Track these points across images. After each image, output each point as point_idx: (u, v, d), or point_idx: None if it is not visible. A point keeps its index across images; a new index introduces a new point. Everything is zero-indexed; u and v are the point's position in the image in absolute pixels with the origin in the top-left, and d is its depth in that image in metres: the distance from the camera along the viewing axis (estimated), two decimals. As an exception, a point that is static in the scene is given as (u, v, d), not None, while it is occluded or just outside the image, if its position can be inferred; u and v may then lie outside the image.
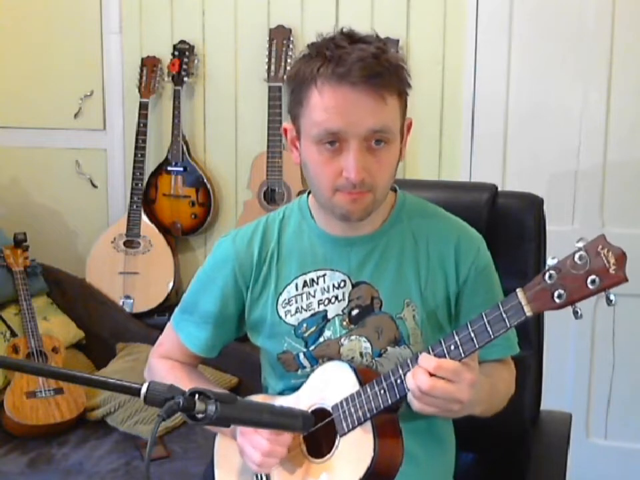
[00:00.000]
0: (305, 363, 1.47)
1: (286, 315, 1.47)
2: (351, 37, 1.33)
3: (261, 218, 1.55)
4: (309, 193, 1.53)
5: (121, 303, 3.10)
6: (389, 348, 1.44)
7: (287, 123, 1.44)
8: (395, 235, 1.46)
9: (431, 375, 1.22)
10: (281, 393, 1.53)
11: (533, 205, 1.76)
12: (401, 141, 1.40)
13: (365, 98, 1.29)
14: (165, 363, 1.59)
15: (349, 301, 1.45)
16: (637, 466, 2.84)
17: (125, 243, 3.13)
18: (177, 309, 1.60)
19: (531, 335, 1.73)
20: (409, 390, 1.26)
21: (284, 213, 1.53)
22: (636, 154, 2.73)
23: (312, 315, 1.47)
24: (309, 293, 1.47)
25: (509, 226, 1.74)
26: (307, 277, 1.47)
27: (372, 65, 1.29)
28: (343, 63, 1.28)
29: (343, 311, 1.46)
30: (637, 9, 2.66)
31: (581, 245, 1.11)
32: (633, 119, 2.72)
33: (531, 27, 2.76)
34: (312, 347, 1.46)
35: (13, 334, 2.78)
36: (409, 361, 1.30)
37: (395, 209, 1.48)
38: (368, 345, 1.45)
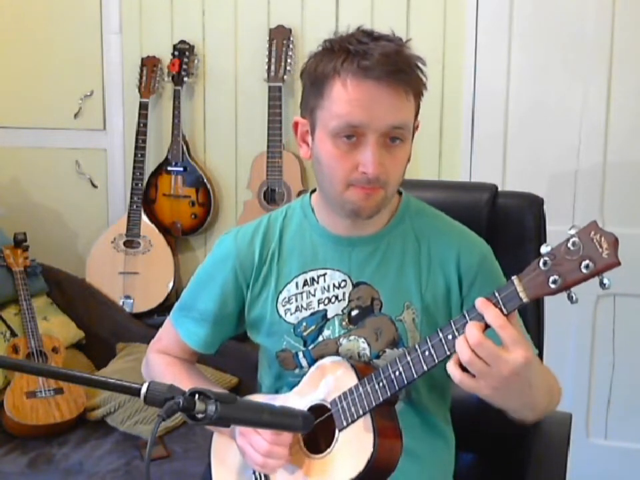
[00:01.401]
0: (304, 362, 1.47)
1: (285, 314, 1.47)
2: (371, 34, 1.34)
3: (263, 216, 1.55)
4: (311, 192, 1.53)
5: (121, 303, 3.10)
6: (387, 350, 1.44)
7: (298, 117, 1.43)
8: (398, 237, 1.46)
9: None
10: (277, 392, 1.53)
11: (532, 205, 1.76)
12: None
13: (388, 93, 1.30)
14: (163, 359, 1.59)
15: (349, 301, 1.45)
16: (637, 466, 2.84)
17: (125, 243, 3.13)
18: (176, 305, 1.60)
19: (530, 334, 1.73)
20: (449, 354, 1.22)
21: (286, 212, 1.53)
22: (636, 154, 2.73)
23: (312, 314, 1.47)
24: (309, 292, 1.47)
25: (508, 226, 1.74)
26: (308, 276, 1.47)
27: (396, 61, 1.30)
28: (369, 57, 1.29)
29: (342, 310, 1.46)
30: (637, 9, 2.66)
31: (573, 231, 1.13)
32: (633, 118, 2.72)
33: (531, 27, 2.76)
34: (311, 346, 1.46)
35: (13, 334, 2.79)
36: (406, 353, 1.30)
37: (398, 210, 1.48)
38: (366, 345, 1.45)
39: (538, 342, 1.77)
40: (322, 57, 1.35)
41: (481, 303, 1.19)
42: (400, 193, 1.51)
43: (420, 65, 1.34)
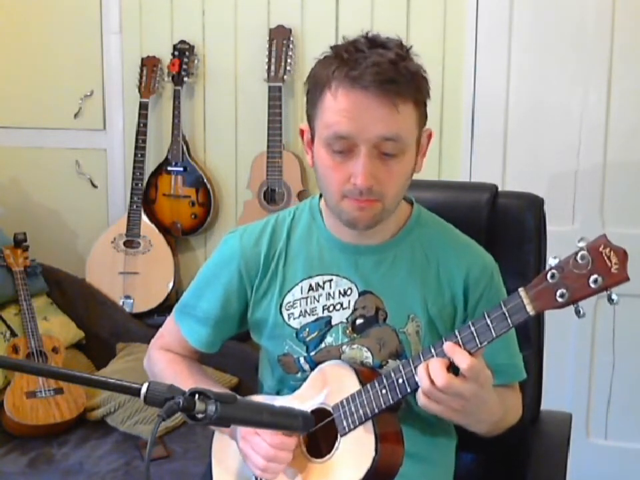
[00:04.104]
0: (305, 367, 1.47)
1: (289, 318, 1.47)
2: (373, 42, 1.31)
3: (270, 217, 1.53)
4: (320, 195, 1.52)
5: (121, 303, 3.10)
6: (389, 360, 1.44)
7: (304, 125, 1.42)
8: (406, 249, 1.45)
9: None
10: (278, 393, 1.53)
11: (533, 205, 1.76)
12: (417, 151, 1.38)
13: (377, 104, 1.27)
14: (164, 355, 1.59)
15: (354, 310, 1.44)
16: (637, 466, 2.84)
17: (125, 243, 3.13)
18: (179, 302, 1.59)
19: (531, 334, 1.73)
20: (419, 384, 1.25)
21: (294, 214, 1.52)
22: (636, 154, 2.73)
23: (315, 320, 1.46)
24: (314, 297, 1.46)
25: (509, 226, 1.74)
26: (313, 281, 1.46)
27: (387, 70, 1.27)
28: (357, 67, 1.27)
29: (347, 319, 1.45)
30: (637, 9, 2.66)
31: (582, 244, 1.11)
32: (633, 119, 2.71)
33: (531, 26, 2.76)
34: (313, 352, 1.46)
35: (13, 334, 2.78)
36: (410, 360, 1.30)
37: (409, 222, 1.47)
38: (369, 355, 1.44)
39: (538, 342, 1.77)
40: (319, 65, 1.34)
41: (448, 348, 1.22)
42: (412, 204, 1.50)
43: (420, 72, 1.32)
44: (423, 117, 1.36)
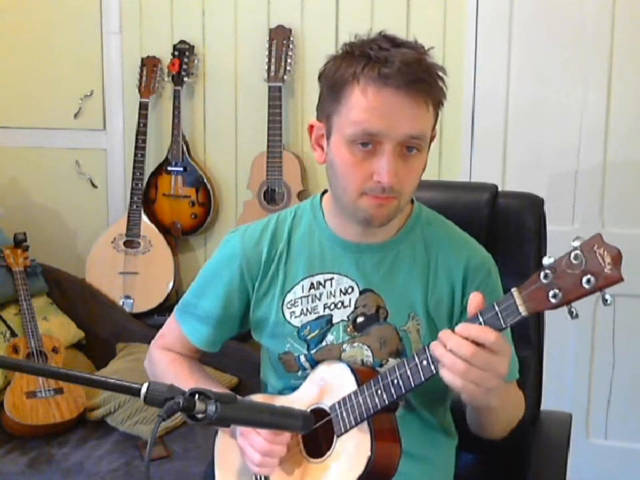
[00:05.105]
0: (306, 365, 1.47)
1: (290, 316, 1.47)
2: (393, 41, 1.32)
3: (271, 216, 1.53)
4: (322, 194, 1.52)
5: (121, 303, 3.10)
6: (390, 359, 1.43)
7: (314, 120, 1.41)
8: (407, 247, 1.45)
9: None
10: (281, 392, 1.53)
11: (533, 205, 1.76)
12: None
13: (408, 103, 1.28)
14: (166, 355, 1.59)
15: (355, 308, 1.45)
16: (637, 466, 2.84)
17: (125, 243, 3.13)
18: (181, 301, 1.59)
19: (530, 334, 1.73)
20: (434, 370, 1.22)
21: (295, 213, 1.52)
22: (636, 154, 2.73)
23: (316, 318, 1.46)
24: (315, 296, 1.46)
25: (509, 226, 1.74)
26: (314, 279, 1.46)
27: (418, 70, 1.28)
28: (389, 65, 1.27)
29: (348, 317, 1.45)
30: (637, 9, 2.66)
31: (576, 244, 1.09)
32: (633, 119, 2.72)
33: (530, 26, 2.76)
34: (313, 350, 1.46)
35: (13, 334, 2.78)
36: (405, 361, 1.29)
37: (409, 220, 1.47)
38: (369, 353, 1.44)
39: (538, 342, 1.77)
40: (341, 61, 1.33)
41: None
42: (412, 202, 1.49)
43: (441, 74, 1.33)
44: (437, 116, 1.37)
